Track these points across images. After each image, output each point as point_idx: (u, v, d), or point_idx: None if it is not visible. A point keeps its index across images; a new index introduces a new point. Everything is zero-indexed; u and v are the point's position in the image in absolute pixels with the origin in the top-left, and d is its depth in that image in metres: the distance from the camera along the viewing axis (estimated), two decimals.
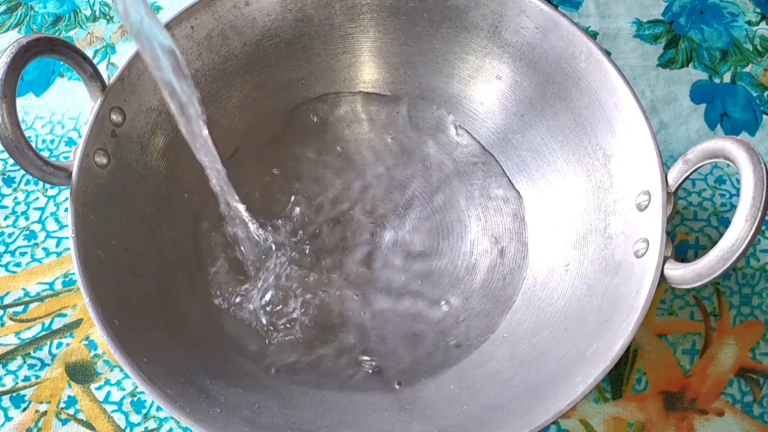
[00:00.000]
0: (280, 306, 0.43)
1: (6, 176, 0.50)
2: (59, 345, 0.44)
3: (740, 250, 0.31)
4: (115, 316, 0.35)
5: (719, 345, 0.44)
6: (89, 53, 0.56)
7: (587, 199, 0.42)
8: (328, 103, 0.50)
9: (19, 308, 0.45)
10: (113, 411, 0.42)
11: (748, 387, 0.43)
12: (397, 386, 0.41)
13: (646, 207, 0.37)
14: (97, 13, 0.58)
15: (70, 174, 0.37)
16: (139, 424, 0.42)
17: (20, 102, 0.52)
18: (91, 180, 0.38)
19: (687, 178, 0.36)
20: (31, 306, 0.45)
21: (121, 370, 0.43)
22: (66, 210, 0.48)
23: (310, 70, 0.49)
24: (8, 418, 0.42)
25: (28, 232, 0.48)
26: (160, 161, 0.44)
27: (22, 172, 0.50)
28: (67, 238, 0.48)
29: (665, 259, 0.35)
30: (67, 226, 0.48)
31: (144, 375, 0.33)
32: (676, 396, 0.43)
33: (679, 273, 0.34)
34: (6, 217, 0.48)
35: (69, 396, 0.42)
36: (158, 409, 0.42)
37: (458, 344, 0.42)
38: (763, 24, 0.57)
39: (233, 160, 0.47)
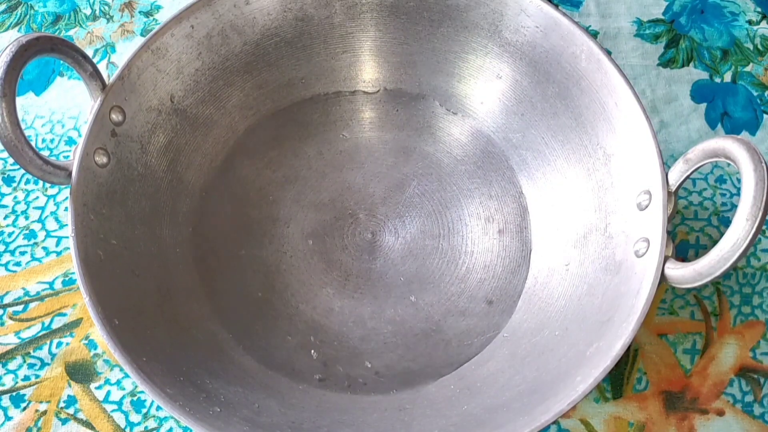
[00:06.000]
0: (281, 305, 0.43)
1: (6, 175, 0.50)
2: (59, 344, 0.44)
3: (741, 250, 0.31)
4: (114, 316, 0.35)
5: (720, 344, 0.44)
6: (89, 52, 0.56)
7: (588, 198, 0.42)
8: (328, 102, 0.50)
9: (19, 307, 0.45)
10: (113, 410, 0.42)
11: (749, 387, 0.43)
12: (396, 387, 0.41)
13: (647, 206, 0.37)
14: (97, 12, 0.58)
15: (70, 173, 0.37)
16: (139, 424, 0.42)
17: (20, 101, 0.52)
18: (91, 179, 0.38)
19: (688, 177, 0.36)
20: (31, 305, 0.45)
21: (121, 369, 0.43)
22: (66, 209, 0.48)
23: (310, 69, 0.49)
24: (8, 418, 0.42)
25: (27, 232, 0.48)
26: (161, 160, 0.44)
27: (22, 171, 0.50)
28: (67, 237, 0.47)
29: (666, 259, 0.35)
30: (66, 225, 0.48)
31: (144, 374, 0.33)
32: (676, 396, 0.43)
33: (680, 272, 0.34)
34: (6, 217, 0.48)
35: (69, 395, 0.42)
36: (158, 408, 0.42)
37: (459, 344, 0.42)
38: (763, 23, 0.57)
39: (233, 159, 0.47)
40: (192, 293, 0.42)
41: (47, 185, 0.49)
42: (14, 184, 0.49)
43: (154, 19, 0.58)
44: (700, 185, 0.50)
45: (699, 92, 0.54)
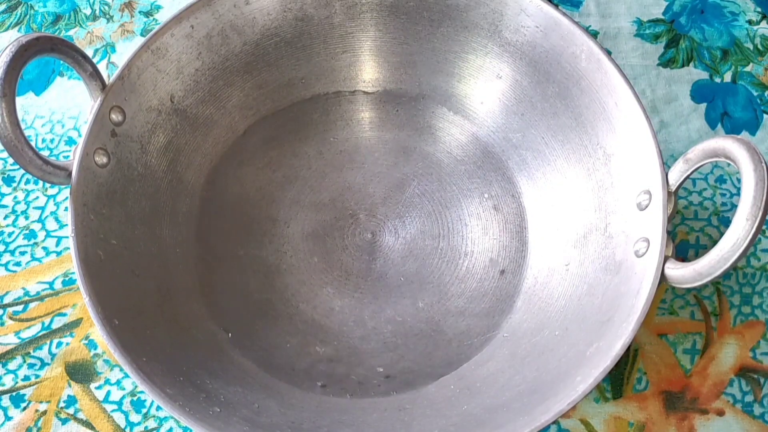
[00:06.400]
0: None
1: (6, 175, 0.50)
2: (59, 344, 0.44)
3: (741, 250, 0.31)
4: (114, 316, 0.35)
5: (720, 344, 0.44)
6: (89, 52, 0.56)
7: (588, 198, 0.42)
8: (328, 102, 0.50)
9: (19, 307, 0.45)
10: (113, 410, 0.42)
11: (749, 387, 0.43)
12: (396, 387, 0.41)
13: (647, 206, 0.37)
14: (97, 12, 0.58)
15: (70, 173, 0.37)
16: (138, 424, 0.42)
17: (20, 101, 0.52)
18: (90, 179, 0.38)
19: (688, 177, 0.36)
20: (31, 305, 0.45)
21: (121, 369, 0.43)
22: (66, 209, 0.48)
23: (310, 69, 0.49)
24: (8, 418, 0.42)
25: (27, 232, 0.48)
26: (161, 160, 0.44)
27: (22, 171, 0.50)
28: (67, 237, 0.47)
29: (666, 259, 0.35)
30: (66, 225, 0.48)
31: (143, 374, 0.33)
32: (676, 396, 0.43)
33: (680, 272, 0.34)
34: (6, 217, 0.48)
35: (69, 395, 0.42)
36: (158, 408, 0.42)
37: (459, 344, 0.42)
38: (763, 23, 0.57)
39: (233, 159, 0.47)
40: (192, 293, 0.42)
41: (47, 185, 0.49)
42: (14, 184, 0.49)
43: (154, 19, 0.58)
44: (700, 185, 0.50)
45: (699, 92, 0.54)
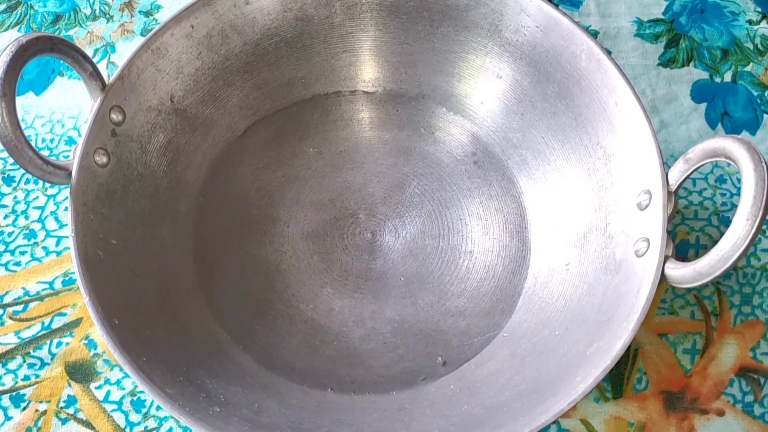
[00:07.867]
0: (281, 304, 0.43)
1: (6, 175, 0.50)
2: (59, 344, 0.44)
3: (741, 250, 0.31)
4: (114, 316, 0.35)
5: (720, 344, 0.44)
6: (89, 52, 0.56)
7: (588, 198, 0.42)
8: (328, 102, 0.50)
9: (19, 307, 0.45)
10: (113, 410, 0.42)
11: (749, 387, 0.43)
12: (396, 387, 0.41)
13: (647, 206, 0.37)
14: (97, 11, 0.58)
15: (70, 173, 0.37)
16: (138, 424, 0.42)
17: (20, 101, 0.52)
18: (90, 179, 0.38)
19: (688, 177, 0.36)
20: (31, 305, 0.45)
21: (121, 369, 0.43)
22: (66, 209, 0.48)
23: (310, 69, 0.49)
24: (8, 418, 0.42)
25: (27, 231, 0.48)
26: (160, 160, 0.44)
27: (22, 171, 0.50)
28: (67, 237, 0.47)
29: (666, 259, 0.35)
30: (66, 225, 0.48)
31: (143, 374, 0.33)
32: (676, 396, 0.43)
33: (680, 272, 0.34)
34: (6, 216, 0.48)
35: (69, 395, 0.42)
36: (158, 408, 0.42)
37: (459, 344, 0.42)
38: (763, 23, 0.57)
39: (233, 159, 0.47)
40: (192, 293, 0.42)
41: (47, 185, 0.49)
42: (14, 184, 0.49)
43: (154, 18, 0.58)
44: (700, 185, 0.50)
45: (699, 92, 0.54)
